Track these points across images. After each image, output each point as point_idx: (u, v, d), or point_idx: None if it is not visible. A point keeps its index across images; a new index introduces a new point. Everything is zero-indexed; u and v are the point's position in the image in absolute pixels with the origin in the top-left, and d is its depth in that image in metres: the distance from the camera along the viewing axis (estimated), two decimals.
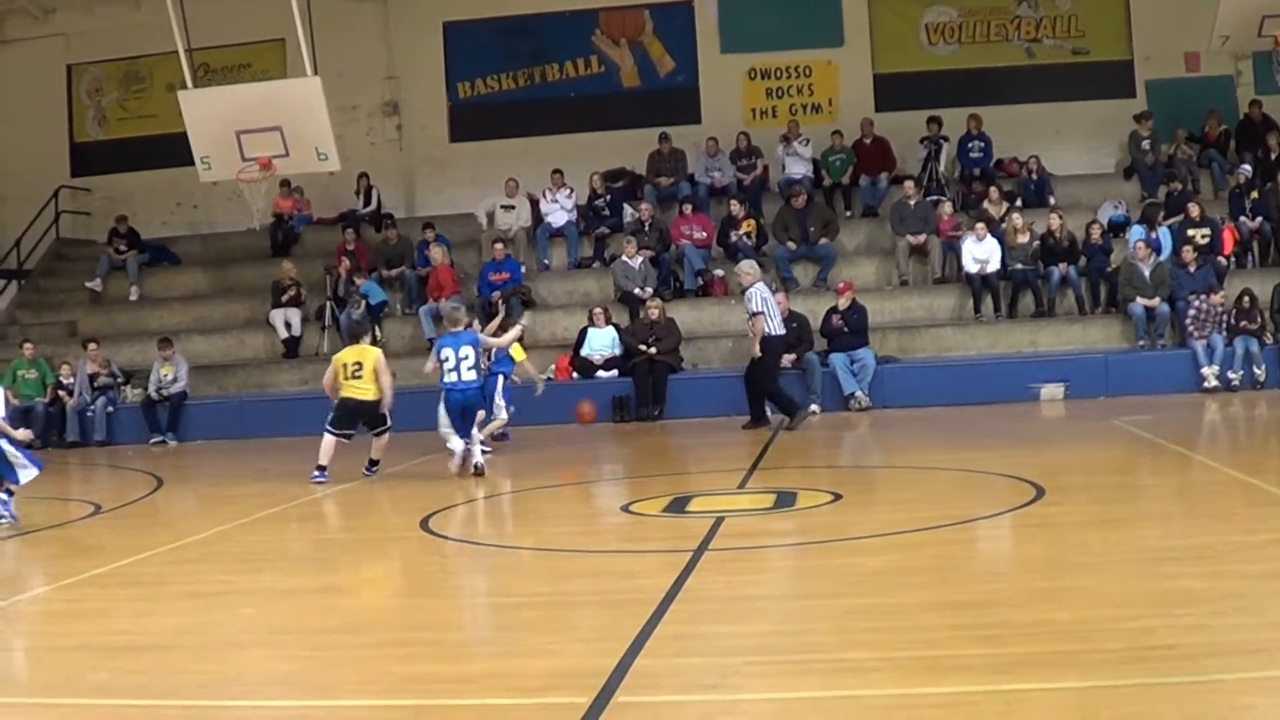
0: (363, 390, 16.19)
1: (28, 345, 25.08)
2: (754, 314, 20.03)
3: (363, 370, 16.17)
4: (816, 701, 6.28)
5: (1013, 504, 11.47)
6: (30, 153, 31.45)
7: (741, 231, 25.45)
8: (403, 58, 30.46)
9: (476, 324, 17.54)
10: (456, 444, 15.65)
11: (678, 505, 12.63)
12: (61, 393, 24.00)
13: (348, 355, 16.50)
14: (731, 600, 8.50)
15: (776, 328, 20.25)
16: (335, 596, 9.54)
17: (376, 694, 6.83)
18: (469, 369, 15.66)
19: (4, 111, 31.69)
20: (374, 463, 16.46)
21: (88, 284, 28.89)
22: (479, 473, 15.57)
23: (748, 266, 20.98)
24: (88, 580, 10.85)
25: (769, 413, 20.36)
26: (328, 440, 16.27)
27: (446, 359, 15.66)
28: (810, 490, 13.09)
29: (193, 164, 23.36)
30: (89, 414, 24.10)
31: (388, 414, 16.46)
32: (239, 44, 29.75)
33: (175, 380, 23.93)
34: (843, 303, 22.45)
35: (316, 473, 16.06)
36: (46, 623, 9.56)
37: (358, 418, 16.46)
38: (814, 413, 21.46)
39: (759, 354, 19.99)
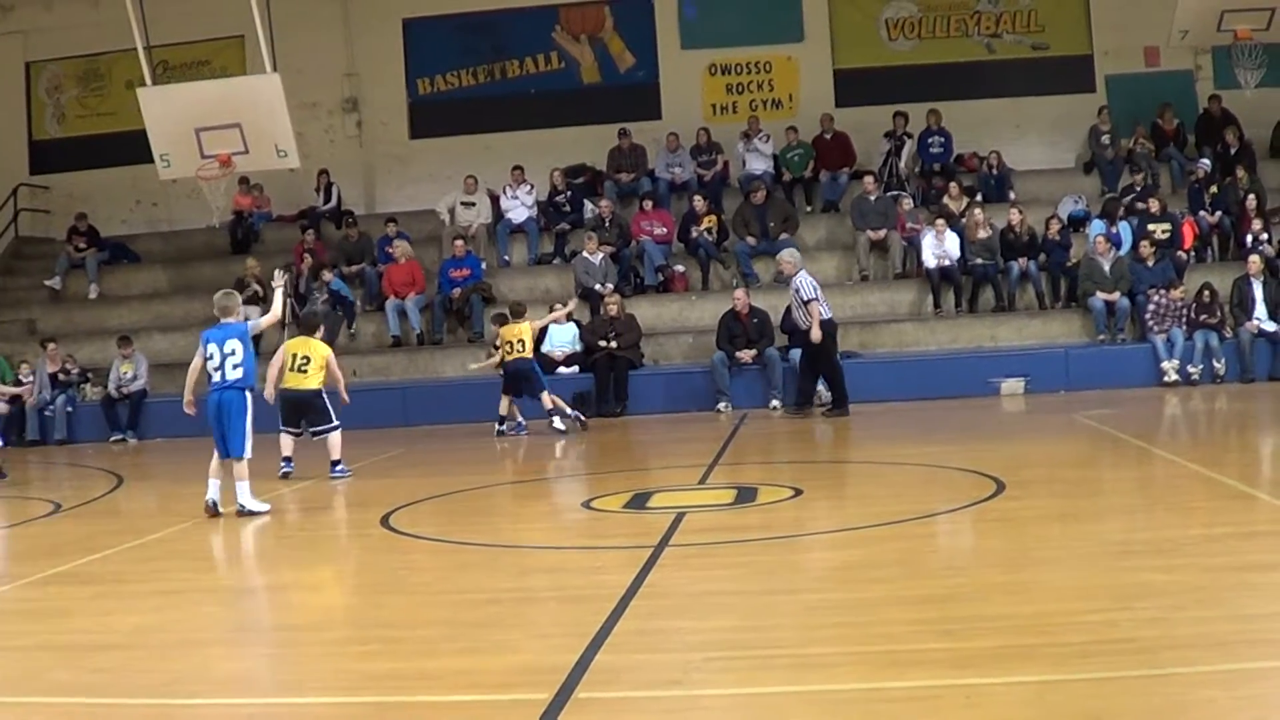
0: (306, 381, 16.11)
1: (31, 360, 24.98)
2: (808, 300, 20.15)
3: (309, 365, 16.08)
4: (779, 697, 6.29)
5: (973, 498, 11.50)
6: None
7: (703, 227, 25.45)
8: (362, 54, 30.38)
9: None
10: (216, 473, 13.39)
11: (639, 501, 12.61)
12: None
13: (297, 346, 16.36)
14: (693, 596, 8.50)
15: (827, 311, 20.46)
16: (296, 594, 9.54)
17: (339, 691, 6.82)
18: (235, 366, 13.32)
19: None
20: (336, 463, 16.03)
21: (47, 282, 28.74)
22: None
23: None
24: (48, 579, 10.79)
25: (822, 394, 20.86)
26: (284, 438, 16.27)
27: (211, 355, 13.41)
28: (771, 485, 13.13)
29: (152, 161, 23.27)
30: (48, 412, 23.98)
31: (331, 411, 16.11)
32: (198, 41, 29.62)
33: (135, 378, 23.85)
34: None
35: (284, 464, 16.09)
36: (5, 622, 9.49)
37: (300, 412, 16.23)
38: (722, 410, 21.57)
39: (818, 337, 20.13)
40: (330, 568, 10.70)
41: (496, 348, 20.42)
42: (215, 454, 13.32)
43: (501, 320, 20.53)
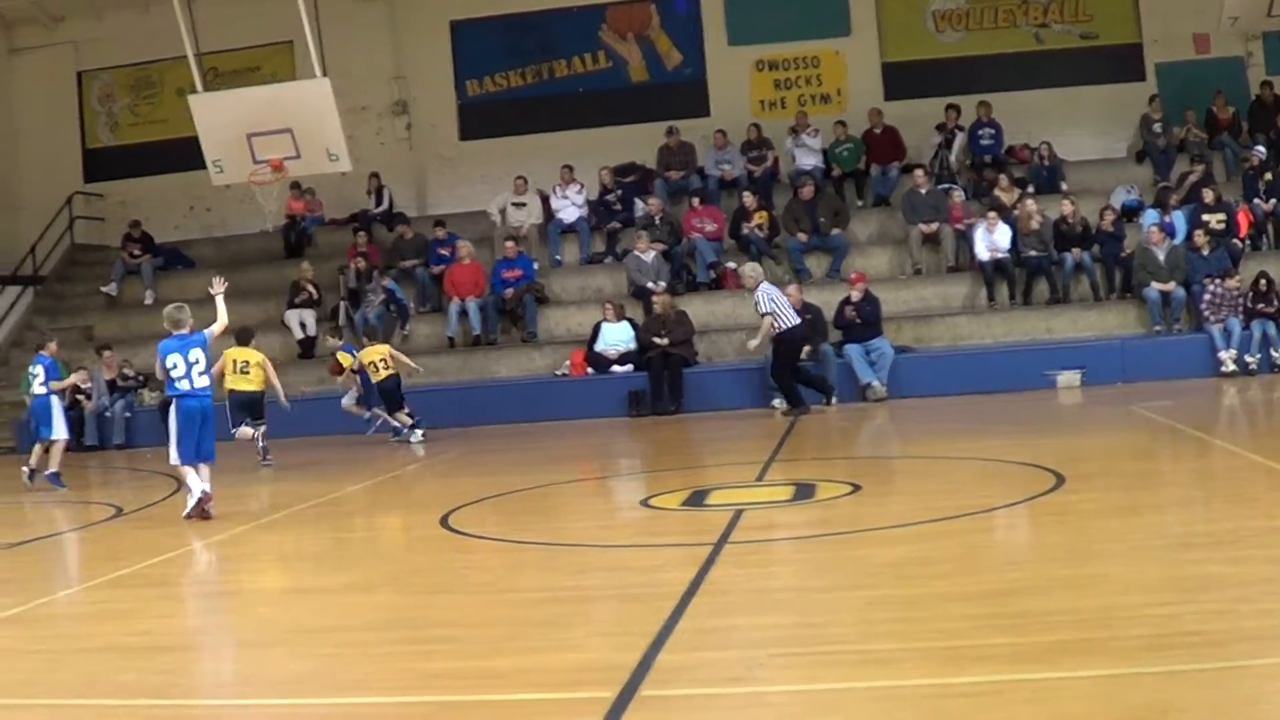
0: (250, 383, 18.69)
1: (51, 345, 25.09)
2: (765, 314, 20.30)
3: (250, 366, 18.66)
4: (842, 693, 6.26)
5: (1032, 492, 11.42)
6: (43, 160, 31.64)
7: (753, 224, 25.40)
8: (411, 57, 30.49)
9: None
10: (195, 481, 13.73)
11: (697, 499, 12.60)
12: (80, 396, 23.99)
13: (237, 354, 18.73)
14: (753, 593, 8.50)
15: (791, 319, 20.52)
16: (356, 594, 9.52)
17: (399, 691, 6.82)
18: (200, 374, 13.78)
19: (17, 120, 31.90)
20: (267, 451, 18.52)
21: (103, 289, 29.01)
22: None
23: (750, 270, 21.41)
24: (111, 582, 10.87)
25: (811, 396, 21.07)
26: (244, 431, 18.58)
27: (174, 365, 13.71)
28: (829, 481, 13.06)
29: (204, 167, 23.53)
30: (107, 416, 24.15)
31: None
32: (248, 47, 29.84)
33: None
34: (856, 294, 22.40)
35: (264, 458, 18.34)
36: (71, 625, 9.56)
37: (246, 409, 18.45)
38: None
39: (771, 353, 20.59)
40: (390, 568, 10.69)
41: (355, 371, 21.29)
42: (174, 460, 13.80)
43: (336, 333, 23.03)
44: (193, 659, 8.03)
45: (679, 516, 11.89)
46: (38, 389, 17.88)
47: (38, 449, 18.14)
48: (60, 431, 17.93)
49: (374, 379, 20.57)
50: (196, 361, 13.73)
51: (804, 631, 7.39)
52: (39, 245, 30.44)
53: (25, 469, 18.01)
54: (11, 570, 12.45)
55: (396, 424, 20.85)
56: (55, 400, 18.08)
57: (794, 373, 20.98)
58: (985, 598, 7.73)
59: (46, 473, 17.50)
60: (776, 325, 20.51)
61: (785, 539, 10.26)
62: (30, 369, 18.47)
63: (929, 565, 8.85)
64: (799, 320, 20.86)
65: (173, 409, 13.98)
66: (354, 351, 21.16)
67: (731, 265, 25.14)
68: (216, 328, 14.58)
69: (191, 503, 13.58)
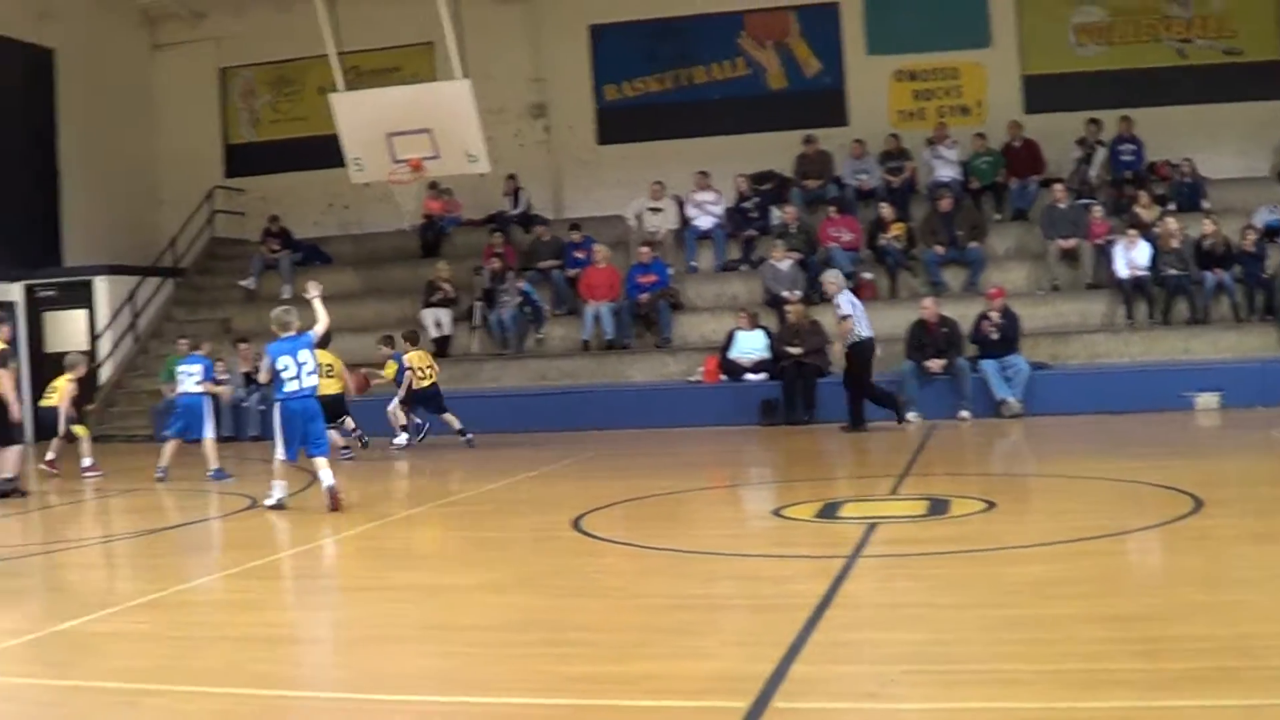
0: (331, 386, 18.16)
1: (182, 341, 25.47)
2: (844, 316, 20.58)
3: (332, 370, 18.34)
4: (973, 713, 6.25)
5: (1169, 516, 11.25)
6: (186, 154, 32.24)
7: (890, 235, 25.29)
8: (550, 60, 30.66)
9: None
10: (280, 484, 14.44)
11: (829, 510, 12.59)
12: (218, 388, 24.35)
13: (323, 356, 17.68)
14: (886, 608, 8.49)
15: (866, 330, 20.74)
16: (490, 594, 9.61)
17: (535, 692, 6.89)
18: (309, 374, 14.32)
19: (160, 114, 32.55)
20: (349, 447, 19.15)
21: (241, 282, 29.47)
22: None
23: (832, 276, 21.62)
24: (246, 572, 11.07)
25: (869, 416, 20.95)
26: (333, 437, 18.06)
27: (285, 366, 14.22)
28: (962, 498, 12.96)
29: (343, 165, 23.84)
30: (243, 407, 24.52)
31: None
32: (388, 47, 30.18)
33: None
34: (994, 310, 22.20)
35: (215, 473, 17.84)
36: (207, 612, 9.76)
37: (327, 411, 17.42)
38: (910, 421, 21.33)
39: (845, 360, 20.90)
40: (522, 569, 10.78)
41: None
42: (281, 457, 14.28)
43: (389, 342, 22.03)
44: (326, 652, 8.18)
45: (811, 528, 11.89)
46: (191, 388, 18.10)
47: (170, 448, 18.44)
48: (210, 431, 18.29)
49: (416, 385, 20.66)
50: (305, 362, 14.26)
51: (936, 649, 7.37)
52: (179, 238, 31.08)
53: (159, 470, 18.27)
54: (149, 557, 12.74)
55: (459, 426, 21.23)
56: (207, 401, 18.37)
57: (865, 388, 20.95)
58: (1119, 622, 7.66)
59: (210, 471, 17.80)
60: (854, 333, 20.61)
61: (918, 554, 10.19)
62: (183, 367, 18.61)
63: (1062, 586, 8.79)
64: (871, 334, 20.94)
65: (276, 410, 14.47)
66: (401, 359, 21.25)
67: (868, 276, 25.05)
68: (319, 328, 15.05)
69: (275, 495, 14.33)
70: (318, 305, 15.19)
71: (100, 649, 8.54)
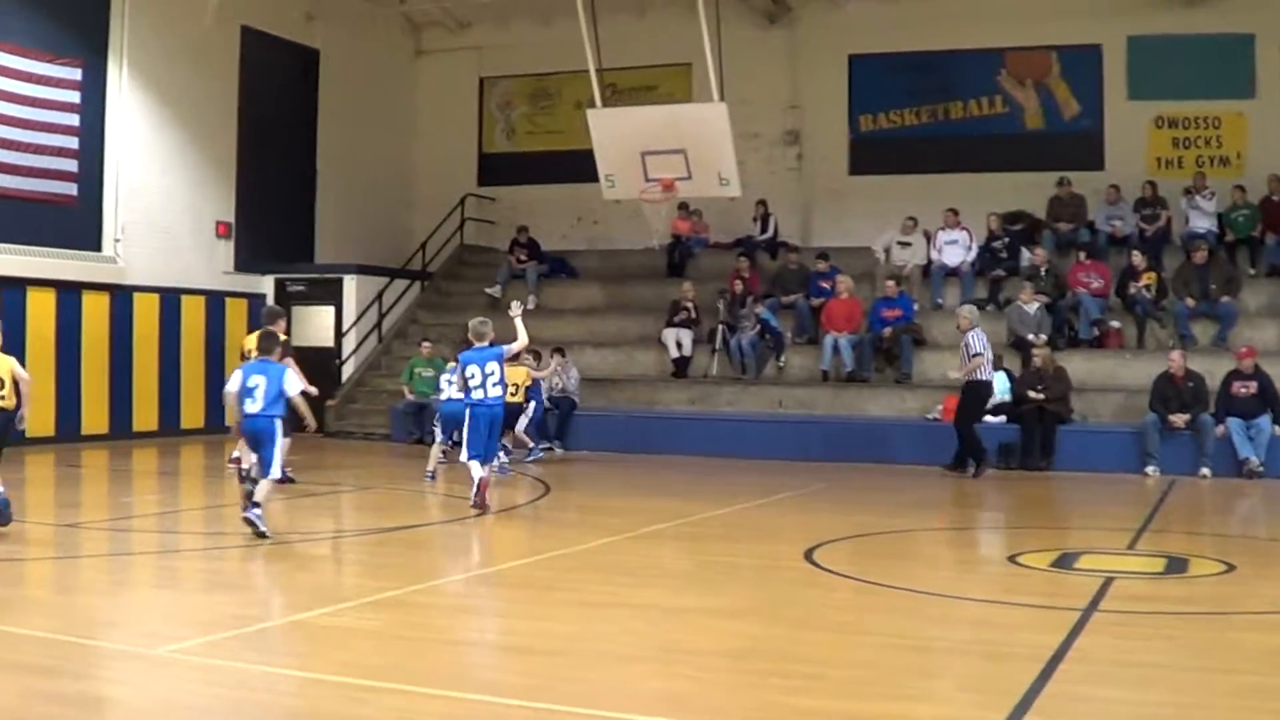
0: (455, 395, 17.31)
1: (425, 344, 26.02)
2: (975, 354, 20.43)
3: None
4: None
5: None
6: (441, 161, 32.98)
7: (1141, 283, 24.82)
8: (807, 88, 30.65)
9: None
10: (477, 470, 15.35)
11: (1065, 561, 12.37)
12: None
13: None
14: (1121, 665, 8.26)
15: (988, 373, 20.70)
16: (721, 619, 9.61)
17: None
18: (495, 384, 15.39)
19: (418, 120, 33.32)
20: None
21: (487, 290, 29.80)
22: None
23: (966, 311, 21.45)
24: (479, 578, 11.28)
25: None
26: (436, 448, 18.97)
27: (473, 375, 15.39)
28: (1201, 557, 12.66)
29: (594, 181, 24.07)
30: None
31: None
32: (647, 66, 30.47)
33: (561, 387, 24.49)
34: (1245, 368, 21.66)
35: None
36: (438, 615, 9.93)
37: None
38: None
39: (958, 375, 20.77)
40: (753, 596, 10.76)
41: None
42: (464, 458, 15.45)
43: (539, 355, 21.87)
44: (557, 665, 8.17)
45: (1046, 577, 11.67)
46: (454, 394, 18.33)
47: (437, 450, 18.95)
48: None
49: (508, 399, 20.31)
50: (492, 373, 15.34)
51: (1174, 711, 7.19)
52: (429, 242, 31.71)
53: (429, 471, 18.74)
54: (385, 556, 13.00)
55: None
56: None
57: (968, 428, 20.81)
58: None
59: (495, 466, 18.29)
60: (981, 372, 20.49)
61: (1155, 613, 9.99)
62: (445, 374, 18.85)
63: None
64: (992, 378, 21.05)
65: (467, 413, 15.53)
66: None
67: (1115, 324, 24.64)
68: (516, 346, 16.01)
69: (474, 491, 15.18)
70: (519, 325, 15.92)
71: (334, 642, 8.75)
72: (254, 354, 15.15)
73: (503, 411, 15.94)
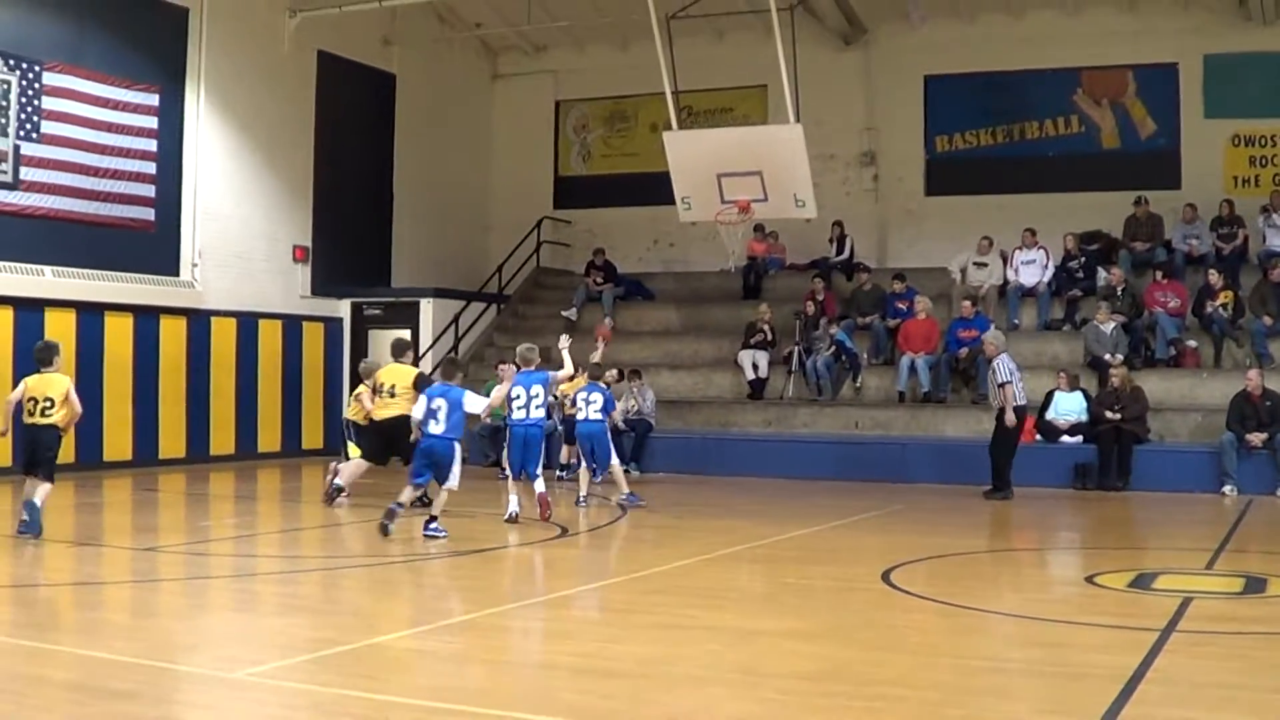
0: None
1: (502, 367, 25.99)
2: (1003, 382, 20.42)
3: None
4: None
5: None
6: (517, 183, 33.25)
7: (1218, 302, 24.70)
8: (882, 109, 30.67)
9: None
10: (514, 494, 16.48)
11: (1143, 581, 12.34)
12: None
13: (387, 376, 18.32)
14: (1201, 686, 8.27)
15: (1019, 397, 20.65)
16: (799, 641, 9.65)
17: None
18: (537, 406, 16.41)
19: (495, 142, 33.57)
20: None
21: (563, 312, 29.87)
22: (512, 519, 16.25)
23: (992, 336, 21.52)
24: (555, 601, 11.35)
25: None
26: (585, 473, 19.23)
27: (518, 396, 16.39)
28: None
29: (669, 203, 24.19)
30: (555, 435, 24.96)
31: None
32: (722, 89, 30.61)
33: (637, 409, 24.53)
34: None
35: (628, 497, 18.59)
36: (518, 638, 10.03)
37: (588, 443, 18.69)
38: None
39: (1012, 421, 20.44)
40: (831, 618, 10.77)
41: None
42: (509, 475, 16.74)
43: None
44: (637, 687, 8.24)
45: (1124, 597, 11.65)
46: (593, 415, 18.41)
47: (584, 474, 19.18)
48: (615, 458, 19.01)
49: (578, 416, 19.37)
50: (535, 396, 16.39)
51: None
52: (505, 265, 31.84)
53: (579, 497, 18.98)
54: (463, 579, 13.12)
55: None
56: (606, 429, 18.78)
57: (1003, 452, 20.77)
58: None
59: (623, 496, 18.61)
60: (1015, 398, 20.48)
61: (1235, 633, 9.96)
62: (583, 395, 18.78)
63: None
64: (1024, 402, 20.97)
65: (508, 433, 16.81)
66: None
67: (1192, 344, 24.52)
68: (561, 374, 17.54)
69: (510, 509, 16.27)
70: (566, 357, 17.47)
71: (413, 665, 8.86)
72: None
73: (540, 433, 16.68)
